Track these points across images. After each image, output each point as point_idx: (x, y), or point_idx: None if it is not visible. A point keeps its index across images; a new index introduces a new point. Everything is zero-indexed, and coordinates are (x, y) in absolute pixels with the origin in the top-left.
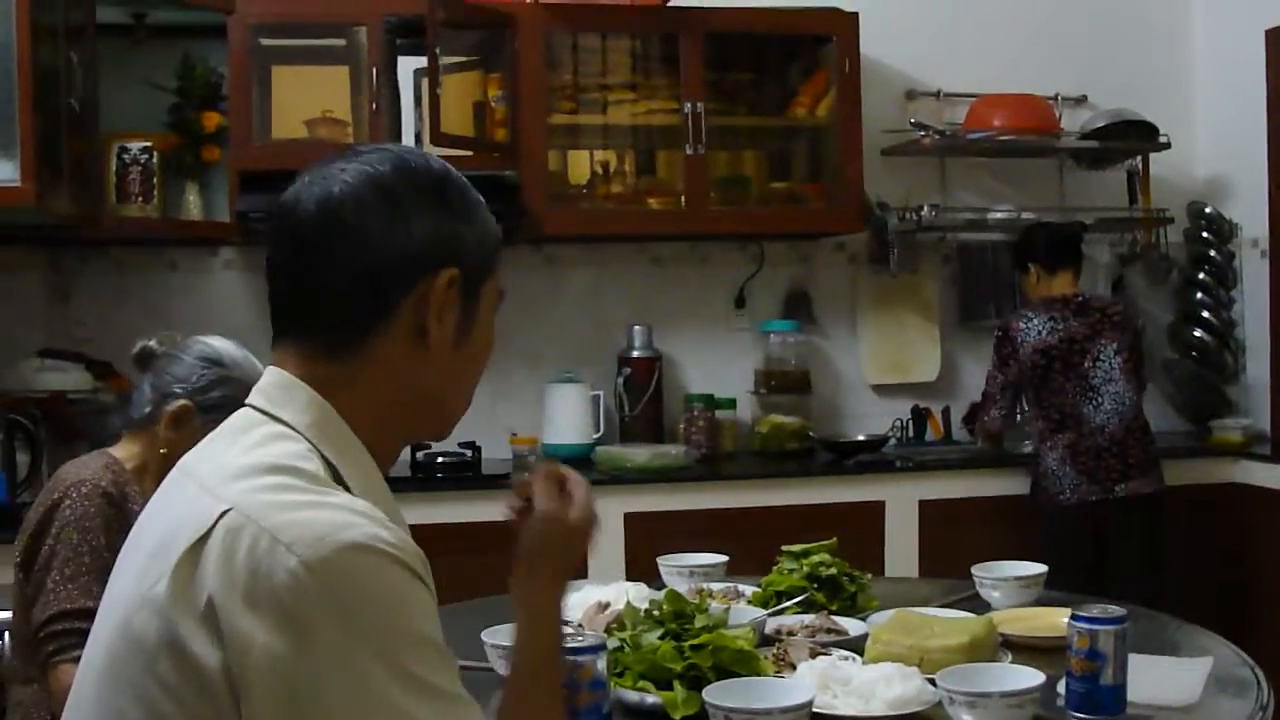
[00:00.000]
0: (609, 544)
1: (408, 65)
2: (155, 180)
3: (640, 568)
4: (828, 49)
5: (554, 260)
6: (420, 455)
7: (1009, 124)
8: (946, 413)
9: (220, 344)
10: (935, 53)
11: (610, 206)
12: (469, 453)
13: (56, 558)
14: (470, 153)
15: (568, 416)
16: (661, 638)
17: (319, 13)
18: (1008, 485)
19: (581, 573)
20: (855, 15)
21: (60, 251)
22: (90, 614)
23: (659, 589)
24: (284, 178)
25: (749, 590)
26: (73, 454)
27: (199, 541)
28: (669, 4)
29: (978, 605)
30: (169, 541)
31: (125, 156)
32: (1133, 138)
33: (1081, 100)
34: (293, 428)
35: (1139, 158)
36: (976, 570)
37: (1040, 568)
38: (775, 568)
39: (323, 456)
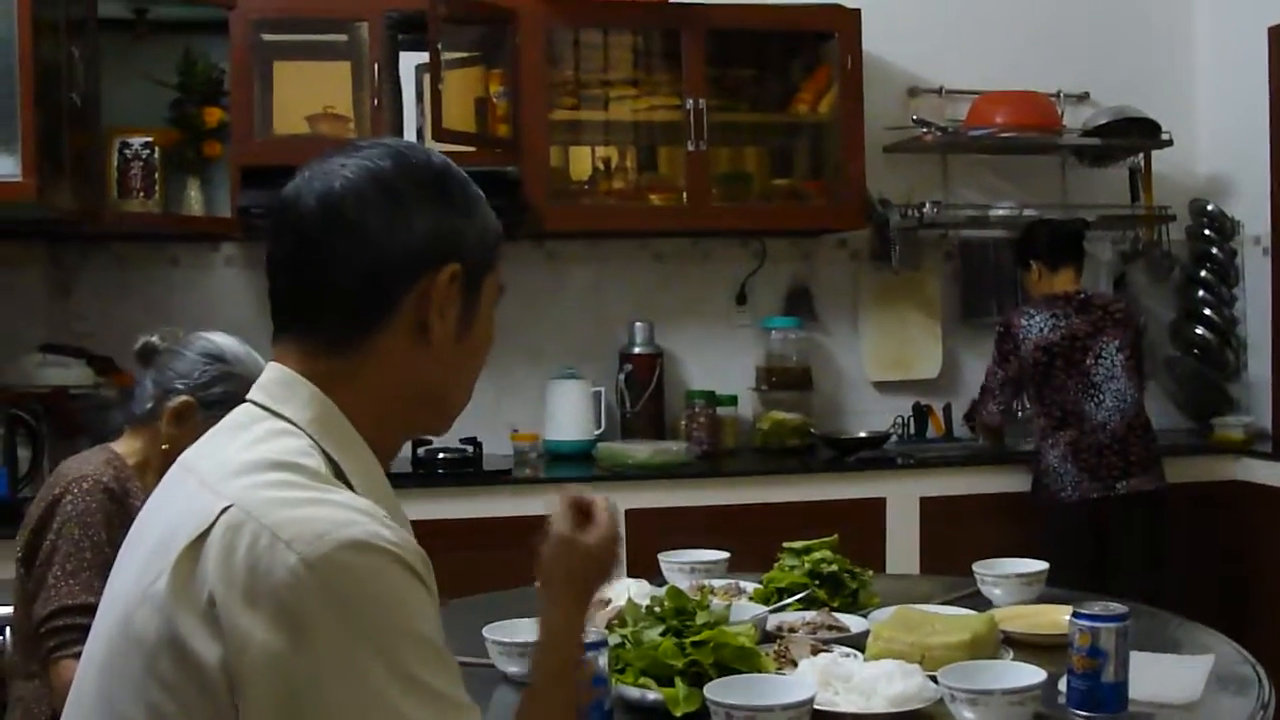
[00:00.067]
0: None
1: (409, 61)
2: (157, 175)
3: (641, 564)
4: (830, 45)
5: (555, 256)
6: (422, 451)
7: (1011, 121)
8: (948, 410)
9: (222, 340)
10: (937, 49)
11: (612, 202)
12: (470, 449)
13: (58, 553)
14: (472, 148)
15: (569, 413)
16: (663, 634)
17: (321, 8)
18: (1009, 482)
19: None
20: (857, 12)
21: (62, 247)
22: (91, 609)
23: (660, 585)
24: (285, 173)
25: (750, 587)
26: (74, 449)
27: (199, 538)
28: (670, 0)
29: (979, 602)
30: (169, 538)
31: (127, 151)
32: (1135, 135)
33: (1084, 97)
34: (294, 423)
35: (1141, 155)
36: (978, 567)
37: (1041, 565)
38: (776, 564)
39: (324, 452)
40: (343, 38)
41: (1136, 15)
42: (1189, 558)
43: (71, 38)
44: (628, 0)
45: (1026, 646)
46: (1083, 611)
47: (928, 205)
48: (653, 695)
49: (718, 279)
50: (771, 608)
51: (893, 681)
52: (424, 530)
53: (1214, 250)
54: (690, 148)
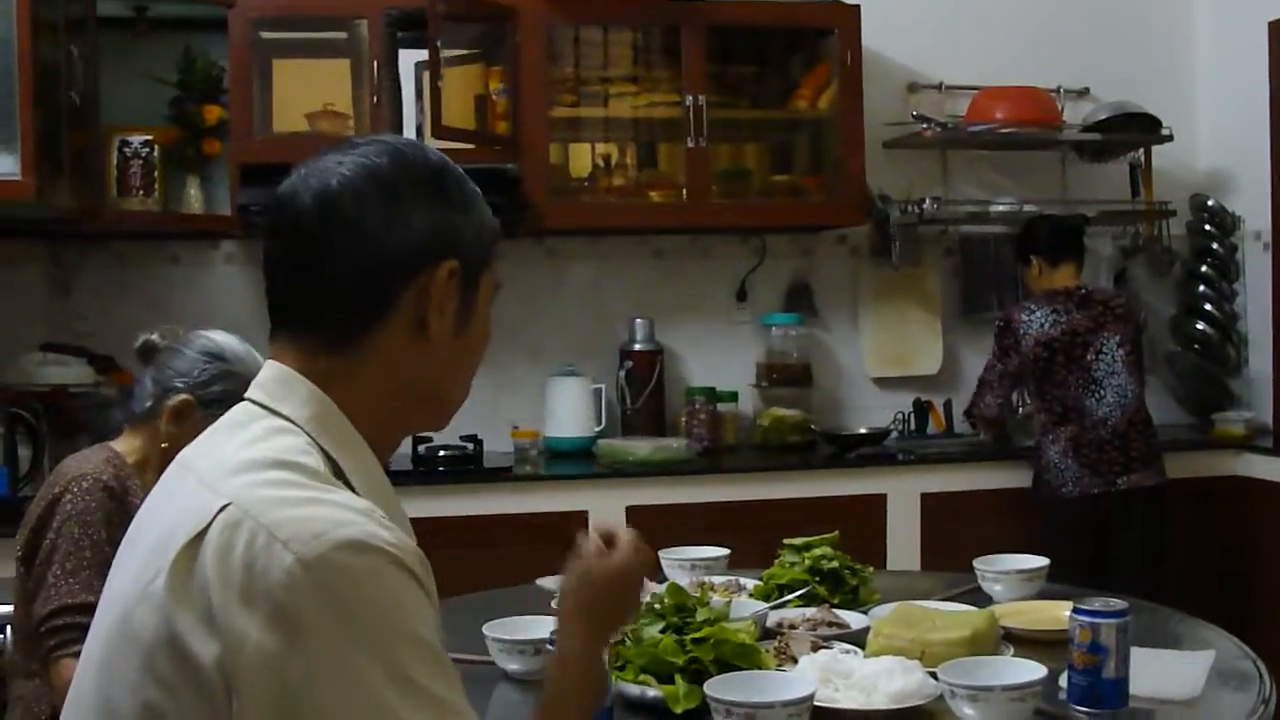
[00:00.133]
0: None
1: (409, 58)
2: (156, 174)
3: None
4: (829, 41)
5: (555, 253)
6: (422, 448)
7: (1011, 116)
8: (948, 405)
9: (222, 338)
10: (937, 45)
11: (612, 199)
12: (470, 446)
13: (58, 552)
14: (472, 146)
15: (569, 410)
16: (663, 631)
17: (320, 6)
18: (1010, 478)
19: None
20: (857, 8)
21: (61, 245)
22: (91, 608)
23: (660, 582)
24: (285, 171)
25: (750, 584)
26: (74, 448)
27: (197, 537)
28: None
29: (979, 598)
30: (168, 536)
31: (126, 150)
32: (1135, 130)
33: (1084, 93)
34: (293, 422)
35: (1141, 150)
36: (978, 563)
37: (1042, 561)
38: (777, 561)
39: (323, 451)
40: (342, 35)
41: (1136, 10)
42: (1190, 553)
43: (71, 36)
44: None
45: (1027, 642)
46: (1083, 607)
47: (928, 201)
48: (653, 692)
49: (718, 275)
50: (772, 604)
51: (893, 678)
52: (424, 527)
53: (1214, 245)
54: (690, 144)
